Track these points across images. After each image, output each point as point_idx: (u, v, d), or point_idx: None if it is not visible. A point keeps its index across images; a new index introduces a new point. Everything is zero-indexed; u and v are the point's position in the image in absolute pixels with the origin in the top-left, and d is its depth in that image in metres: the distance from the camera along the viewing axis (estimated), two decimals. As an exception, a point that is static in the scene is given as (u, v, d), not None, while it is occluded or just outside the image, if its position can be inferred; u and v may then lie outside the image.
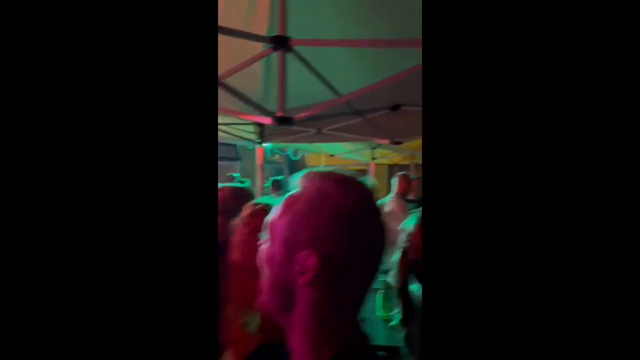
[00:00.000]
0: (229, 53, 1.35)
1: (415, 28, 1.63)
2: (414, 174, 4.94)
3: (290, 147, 4.08)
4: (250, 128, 3.02)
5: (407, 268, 1.02)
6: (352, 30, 1.75)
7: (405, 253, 1.02)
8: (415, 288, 1.07)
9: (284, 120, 1.19)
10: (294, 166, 8.57)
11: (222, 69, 1.29)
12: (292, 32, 1.55)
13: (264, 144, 3.12)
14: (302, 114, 1.25)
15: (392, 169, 6.94)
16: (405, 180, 3.19)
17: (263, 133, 3.06)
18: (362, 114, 2.02)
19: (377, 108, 2.22)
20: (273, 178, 3.53)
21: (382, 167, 6.91)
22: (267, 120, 1.29)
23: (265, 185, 4.49)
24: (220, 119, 2.36)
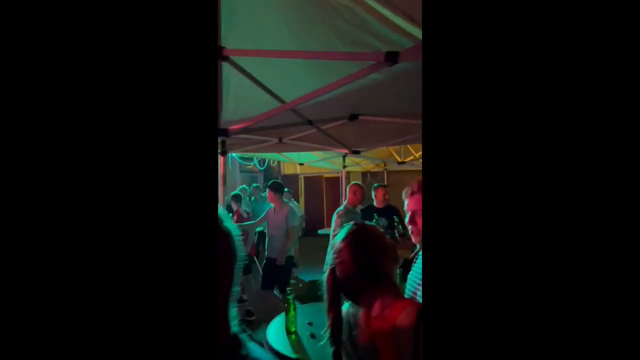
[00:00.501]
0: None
1: (362, 38, 1.62)
2: (383, 182, 4.95)
3: (255, 156, 4.02)
4: (225, 138, 2.96)
5: (335, 286, 0.99)
6: (303, 40, 1.73)
7: (332, 271, 0.98)
8: (346, 306, 1.03)
9: (219, 132, 1.15)
10: (270, 174, 8.51)
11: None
12: (240, 42, 1.51)
13: (229, 154, 3.06)
14: (237, 126, 1.21)
15: (364, 176, 6.99)
16: (354, 191, 3.10)
17: (225, 143, 3.00)
18: (317, 124, 2.00)
19: (335, 118, 2.21)
20: (272, 181, 3.46)
21: (356, 174, 6.95)
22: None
23: (234, 193, 4.42)
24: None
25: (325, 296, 1.01)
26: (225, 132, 1.17)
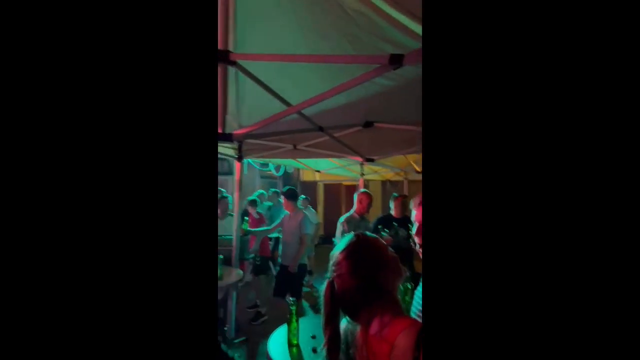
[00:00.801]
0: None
1: (375, 43, 1.58)
2: (403, 191, 4.83)
3: (270, 162, 4.02)
4: (231, 144, 2.99)
5: (333, 301, 0.93)
6: (317, 47, 1.72)
7: (331, 284, 0.93)
8: (344, 322, 0.98)
9: (222, 137, 1.13)
10: (290, 181, 8.54)
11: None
12: (254, 49, 1.51)
13: (244, 159, 3.09)
14: (241, 130, 1.19)
15: (384, 185, 6.87)
16: (360, 199, 2.97)
17: (241, 148, 3.03)
18: (329, 131, 1.96)
19: (349, 125, 2.17)
20: (286, 187, 3.46)
21: (375, 183, 6.84)
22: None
23: (250, 198, 4.44)
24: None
25: (322, 310, 0.96)
26: (230, 137, 1.16)
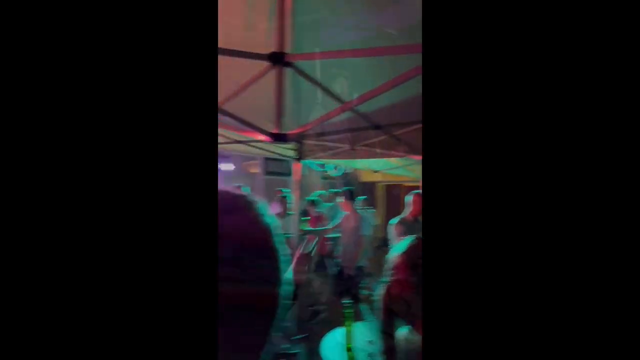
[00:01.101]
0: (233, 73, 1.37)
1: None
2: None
3: (328, 163, 4.02)
4: (290, 144, 3.06)
5: (390, 306, 0.89)
6: (373, 42, 1.67)
7: (388, 289, 0.88)
8: (403, 330, 0.92)
9: (278, 137, 1.15)
10: (349, 182, 8.50)
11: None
12: (310, 47, 1.52)
13: (303, 160, 3.14)
14: (296, 130, 1.20)
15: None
16: (414, 201, 2.76)
17: (301, 149, 3.09)
18: (388, 129, 1.89)
19: (408, 122, 2.07)
20: (345, 188, 3.47)
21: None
22: (266, 138, 1.26)
23: (308, 198, 4.50)
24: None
25: (379, 317, 0.91)
26: (285, 137, 1.17)
